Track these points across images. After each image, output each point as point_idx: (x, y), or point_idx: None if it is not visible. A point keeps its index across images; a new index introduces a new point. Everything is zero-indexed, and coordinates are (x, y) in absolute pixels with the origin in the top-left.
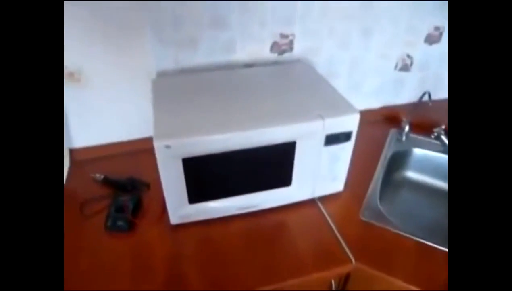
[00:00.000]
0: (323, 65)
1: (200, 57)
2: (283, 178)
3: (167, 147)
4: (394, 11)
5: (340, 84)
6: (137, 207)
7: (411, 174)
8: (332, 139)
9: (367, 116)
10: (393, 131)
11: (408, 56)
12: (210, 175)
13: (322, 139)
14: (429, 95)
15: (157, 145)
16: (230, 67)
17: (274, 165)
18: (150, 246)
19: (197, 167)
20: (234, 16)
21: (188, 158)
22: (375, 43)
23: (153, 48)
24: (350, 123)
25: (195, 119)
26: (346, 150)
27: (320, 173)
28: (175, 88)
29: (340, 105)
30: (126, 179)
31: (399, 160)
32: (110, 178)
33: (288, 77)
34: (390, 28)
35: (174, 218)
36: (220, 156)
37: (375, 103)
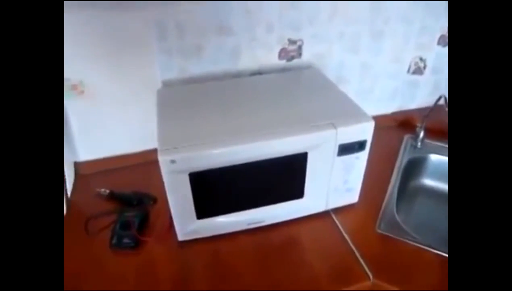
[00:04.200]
0: (333, 71)
1: (206, 66)
2: (295, 190)
3: (173, 161)
4: (405, 13)
5: (351, 89)
6: (143, 222)
7: (428, 182)
8: (346, 149)
9: (379, 122)
10: (407, 138)
11: (421, 59)
12: (218, 189)
13: (335, 149)
14: (446, 99)
15: (162, 160)
16: (237, 75)
17: (285, 177)
18: (157, 264)
19: (204, 181)
20: (239, 21)
21: (195, 172)
22: (387, 47)
23: (157, 57)
24: (365, 131)
25: (202, 131)
26: (360, 159)
27: (333, 184)
28: (181, 98)
29: (353, 113)
30: (132, 193)
31: (415, 167)
32: (116, 192)
33: (297, 84)
34: (402, 30)
35: (182, 234)
36: (228, 169)
37: (388, 109)
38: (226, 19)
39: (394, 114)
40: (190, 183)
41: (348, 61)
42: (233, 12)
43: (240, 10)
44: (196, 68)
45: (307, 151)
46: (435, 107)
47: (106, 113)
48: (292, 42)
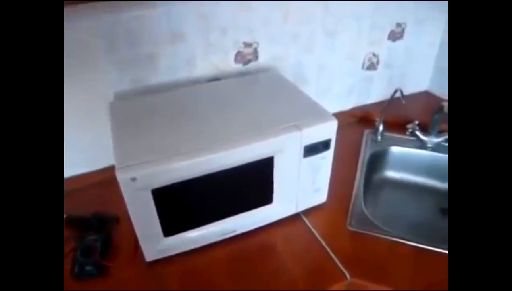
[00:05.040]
0: (292, 72)
1: (160, 75)
2: (264, 196)
3: (133, 179)
4: (356, 10)
5: (310, 89)
6: (107, 245)
7: (391, 174)
8: (311, 149)
9: (339, 119)
10: (367, 132)
11: (374, 54)
12: (184, 204)
13: (301, 151)
14: (401, 92)
15: (121, 178)
16: (195, 83)
17: (252, 183)
18: (127, 289)
19: (169, 197)
20: (192, 26)
21: (158, 188)
22: (340, 44)
23: (107, 69)
24: (329, 131)
25: (161, 144)
26: (326, 159)
27: (301, 186)
28: (135, 110)
29: (315, 113)
30: (92, 215)
31: (377, 160)
32: (74, 216)
33: (256, 87)
34: (354, 27)
35: (149, 254)
36: (193, 182)
37: (346, 105)
38: (178, 25)
39: (352, 110)
40: (153, 200)
41: (305, 62)
42: (185, 17)
43: (193, 14)
44: (151, 78)
45: (273, 155)
46: (391, 101)
47: None
48: (247, 45)
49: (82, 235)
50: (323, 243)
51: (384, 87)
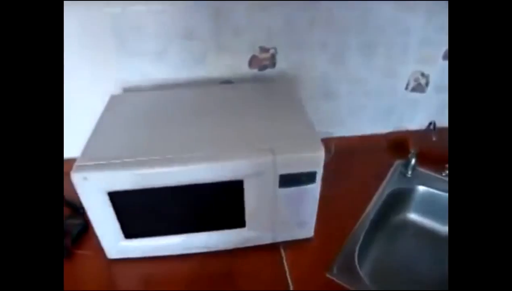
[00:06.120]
0: (315, 84)
1: (168, 71)
2: (234, 218)
3: (85, 179)
4: (402, 20)
5: (338, 104)
6: (81, 233)
7: (414, 217)
8: (289, 180)
9: (370, 143)
10: (398, 163)
11: (423, 74)
12: (146, 211)
13: (276, 180)
14: (434, 125)
15: (73, 176)
16: (204, 83)
17: (221, 203)
18: (83, 279)
19: (128, 202)
20: (204, 22)
21: (115, 191)
22: (379, 59)
23: (117, 59)
24: (313, 162)
25: (133, 146)
26: (310, 192)
27: (280, 217)
28: (129, 106)
29: (304, 138)
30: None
31: (400, 198)
32: (67, 198)
33: (260, 98)
34: (398, 40)
35: (110, 252)
36: (154, 191)
37: (383, 128)
38: (189, 18)
39: (389, 134)
40: (110, 202)
41: (333, 74)
42: (197, 10)
43: (204, 11)
44: (158, 73)
45: (243, 178)
46: (433, 131)
47: None
48: (264, 50)
49: (65, 216)
50: (290, 285)
51: (433, 114)
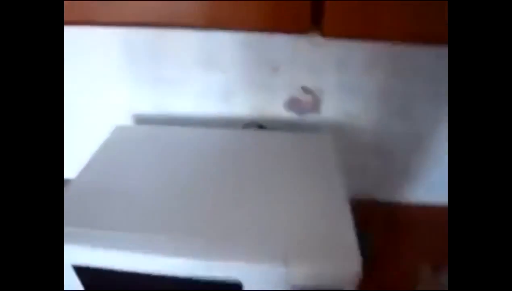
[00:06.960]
0: (369, 137)
1: (184, 105)
2: None
3: None
4: None
5: (395, 168)
6: None
7: None
8: None
9: (436, 216)
10: None
11: None
12: None
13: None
14: None
15: None
16: (226, 123)
17: None
18: None
19: (97, 278)
20: (230, 51)
21: (81, 266)
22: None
23: (126, 87)
24: (340, 278)
25: (114, 208)
26: None
27: None
28: (129, 144)
29: (334, 239)
30: None
31: None
32: None
33: (287, 157)
34: None
35: None
36: (128, 275)
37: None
38: (211, 45)
39: None
40: (76, 274)
41: (395, 128)
42: (222, 42)
43: (231, 39)
44: (172, 106)
45: (241, 281)
46: None
47: None
48: (307, 90)
49: None
50: None
51: None
